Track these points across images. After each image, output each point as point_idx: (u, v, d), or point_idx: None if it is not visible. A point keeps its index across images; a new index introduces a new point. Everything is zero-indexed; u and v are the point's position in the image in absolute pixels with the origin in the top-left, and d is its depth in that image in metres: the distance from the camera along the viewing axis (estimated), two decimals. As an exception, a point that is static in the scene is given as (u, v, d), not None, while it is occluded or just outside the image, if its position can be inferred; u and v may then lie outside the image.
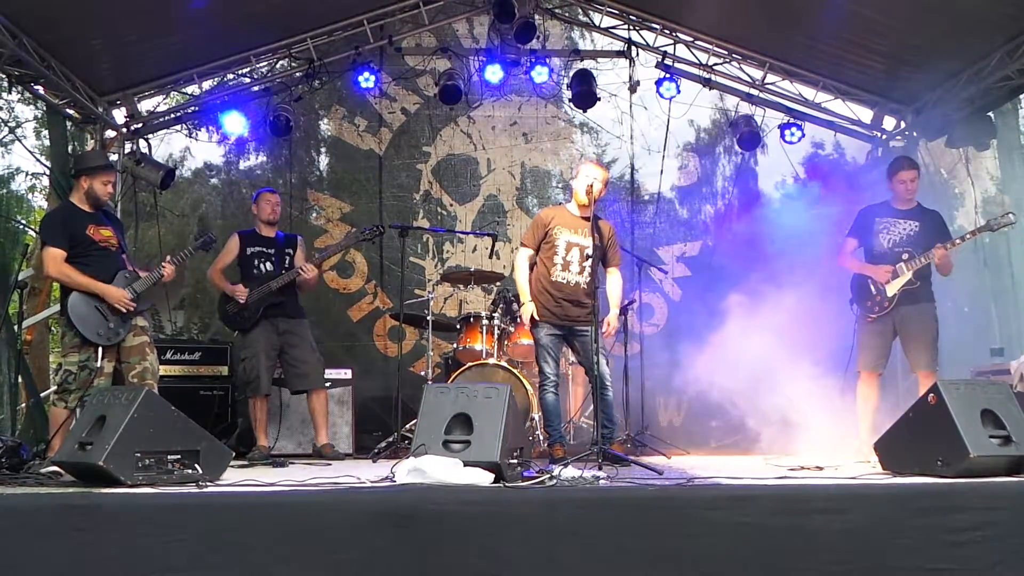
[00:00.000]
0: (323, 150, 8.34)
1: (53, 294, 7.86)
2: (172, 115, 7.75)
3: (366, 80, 7.45)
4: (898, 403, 5.19)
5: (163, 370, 5.45)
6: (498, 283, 6.77)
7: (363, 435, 6.39)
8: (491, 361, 5.84)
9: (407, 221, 7.56)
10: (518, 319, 5.83)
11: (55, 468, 3.65)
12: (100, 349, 4.55)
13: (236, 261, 5.62)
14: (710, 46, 7.70)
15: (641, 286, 6.80)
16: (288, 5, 6.90)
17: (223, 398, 6.55)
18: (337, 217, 8.00)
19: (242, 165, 8.27)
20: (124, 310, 4.61)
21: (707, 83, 7.90)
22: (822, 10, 6.25)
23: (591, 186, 4.90)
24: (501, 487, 3.04)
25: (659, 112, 7.91)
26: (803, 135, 7.67)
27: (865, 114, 7.74)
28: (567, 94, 7.89)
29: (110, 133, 7.24)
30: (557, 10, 8.14)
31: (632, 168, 8.17)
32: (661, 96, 7.68)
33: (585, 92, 7.58)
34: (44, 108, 7.72)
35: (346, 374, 6.39)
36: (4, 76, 6.18)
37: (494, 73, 7.59)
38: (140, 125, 7.44)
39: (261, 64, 7.66)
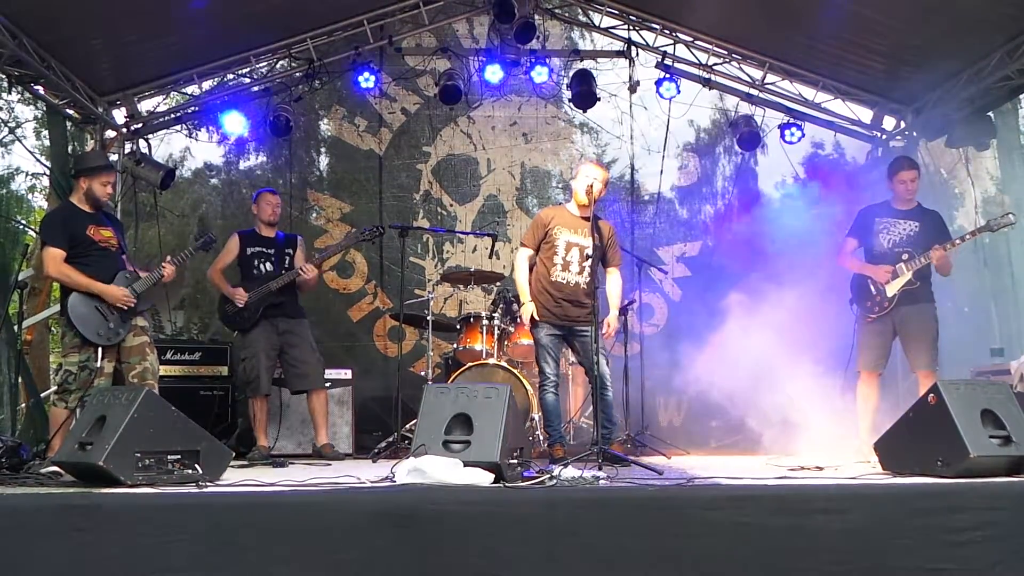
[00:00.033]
0: (323, 150, 8.34)
1: (53, 294, 7.86)
2: (172, 115, 7.75)
3: (366, 80, 7.45)
4: (898, 403, 5.19)
5: (163, 370, 5.45)
6: (498, 283, 6.77)
7: (363, 435, 6.39)
8: (491, 361, 5.84)
9: (407, 221, 7.57)
10: (518, 319, 5.83)
11: (55, 468, 3.65)
12: (100, 349, 4.55)
13: (236, 261, 5.62)
14: (710, 46, 7.69)
15: (641, 286, 6.80)
16: (288, 5, 6.90)
17: (223, 398, 6.55)
18: (337, 217, 8.00)
19: (242, 165, 8.28)
20: (125, 307, 4.61)
21: (707, 83, 7.90)
22: (822, 10, 6.25)
23: (591, 186, 4.90)
24: (501, 487, 3.04)
25: (659, 112, 7.92)
26: (803, 135, 7.67)
27: (865, 114, 7.74)
28: (567, 94, 7.88)
29: (110, 133, 7.24)
30: (557, 10, 8.14)
31: (632, 168, 8.18)
32: (661, 96, 7.68)
33: (585, 92, 7.58)
34: (44, 108, 7.72)
35: (346, 374, 6.39)
36: (4, 76, 6.18)
37: (494, 73, 7.59)
38: (140, 125, 7.44)
39: (261, 64, 7.66)
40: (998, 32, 5.97)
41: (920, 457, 3.40)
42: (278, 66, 7.76)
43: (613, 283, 5.20)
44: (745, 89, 7.88)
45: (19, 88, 7.16)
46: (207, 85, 7.56)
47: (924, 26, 6.15)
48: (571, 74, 7.81)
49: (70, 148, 7.07)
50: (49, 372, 8.10)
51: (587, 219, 4.95)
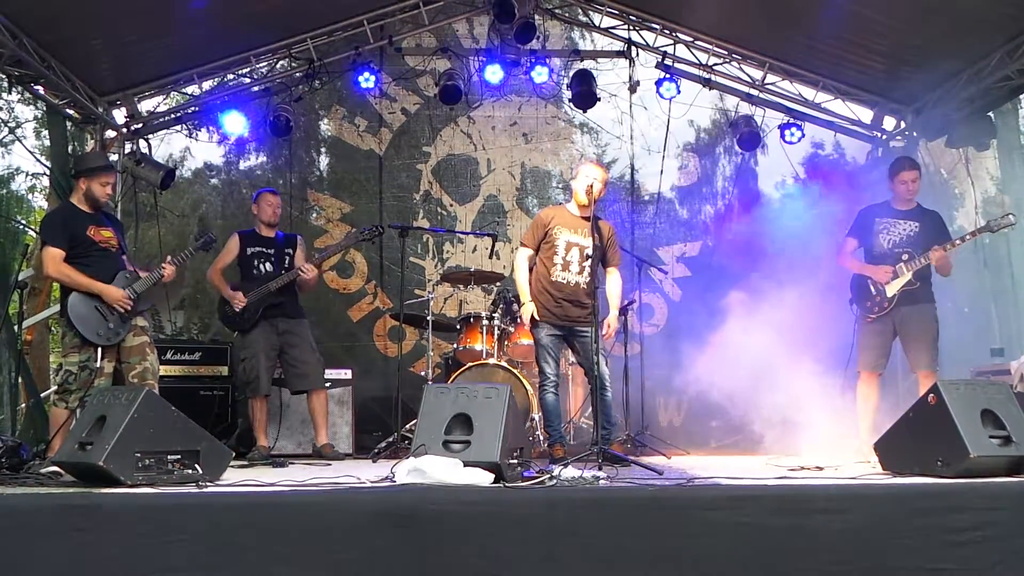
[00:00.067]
0: (323, 150, 8.34)
1: (53, 294, 7.86)
2: (172, 115, 7.75)
3: (366, 80, 7.45)
4: (898, 403, 5.19)
5: (163, 370, 5.44)
6: (498, 283, 6.77)
7: (363, 435, 6.39)
8: (491, 361, 5.84)
9: (407, 221, 7.57)
10: (518, 319, 5.83)
11: (55, 468, 3.65)
12: (100, 349, 4.55)
13: (236, 261, 5.62)
14: (710, 46, 7.69)
15: (641, 286, 6.80)
16: (288, 5, 6.90)
17: (223, 398, 6.55)
18: (337, 217, 8.00)
19: (242, 165, 8.28)
20: (123, 310, 4.62)
21: (707, 83, 7.90)
22: (822, 10, 6.25)
23: (591, 186, 4.90)
24: (501, 487, 3.04)
25: (659, 112, 7.92)
26: (803, 135, 7.67)
27: (865, 114, 7.74)
28: (567, 94, 7.88)
29: (110, 133, 7.24)
30: (557, 10, 8.14)
31: (632, 168, 8.18)
32: (661, 96, 7.68)
33: (585, 92, 7.58)
34: (44, 108, 7.72)
35: (346, 374, 6.39)
36: (4, 76, 6.18)
37: (494, 73, 7.59)
38: (140, 125, 7.44)
39: (261, 64, 7.66)
40: (998, 32, 5.98)
41: (920, 457, 3.40)
42: (278, 66, 7.76)
43: (613, 283, 5.20)
44: (745, 89, 7.88)
45: (19, 88, 7.17)
46: (207, 85, 7.56)
47: (924, 26, 6.16)
48: (571, 74, 7.81)
49: (70, 148, 7.07)
50: (49, 372, 8.10)
51: (587, 219, 4.95)
